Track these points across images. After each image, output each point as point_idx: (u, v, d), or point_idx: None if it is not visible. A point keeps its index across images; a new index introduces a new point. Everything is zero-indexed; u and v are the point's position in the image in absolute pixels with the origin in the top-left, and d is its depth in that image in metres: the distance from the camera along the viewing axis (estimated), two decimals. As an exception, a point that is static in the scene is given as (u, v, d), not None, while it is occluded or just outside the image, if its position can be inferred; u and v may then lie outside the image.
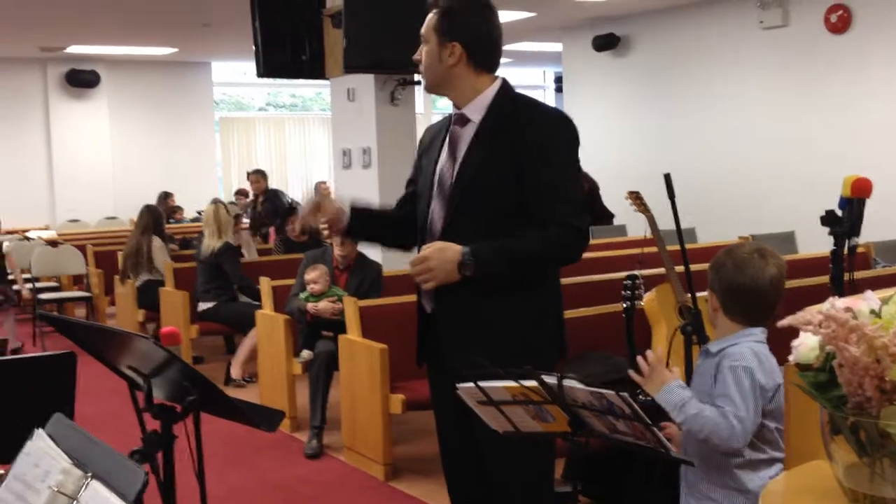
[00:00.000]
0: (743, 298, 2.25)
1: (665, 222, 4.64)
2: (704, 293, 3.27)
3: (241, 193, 13.48)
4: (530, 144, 2.41)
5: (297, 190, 15.92)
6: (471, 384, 2.08)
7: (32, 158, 13.06)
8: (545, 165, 2.39)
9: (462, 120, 2.52)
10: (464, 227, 2.45)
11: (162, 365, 1.91)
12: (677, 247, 3.20)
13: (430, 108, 16.21)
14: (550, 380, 1.89)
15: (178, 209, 12.63)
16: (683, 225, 8.09)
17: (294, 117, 17.29)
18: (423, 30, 2.53)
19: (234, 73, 16.41)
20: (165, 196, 12.47)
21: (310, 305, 5.10)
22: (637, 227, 8.20)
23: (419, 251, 2.49)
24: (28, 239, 9.92)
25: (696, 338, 2.90)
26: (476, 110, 2.50)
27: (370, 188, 6.39)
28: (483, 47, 2.51)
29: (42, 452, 1.50)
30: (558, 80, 14.79)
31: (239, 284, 6.62)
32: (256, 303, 6.30)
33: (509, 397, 2.05)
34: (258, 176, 9.45)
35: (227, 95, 17.52)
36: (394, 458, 4.59)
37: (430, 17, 2.51)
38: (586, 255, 6.70)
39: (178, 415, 1.93)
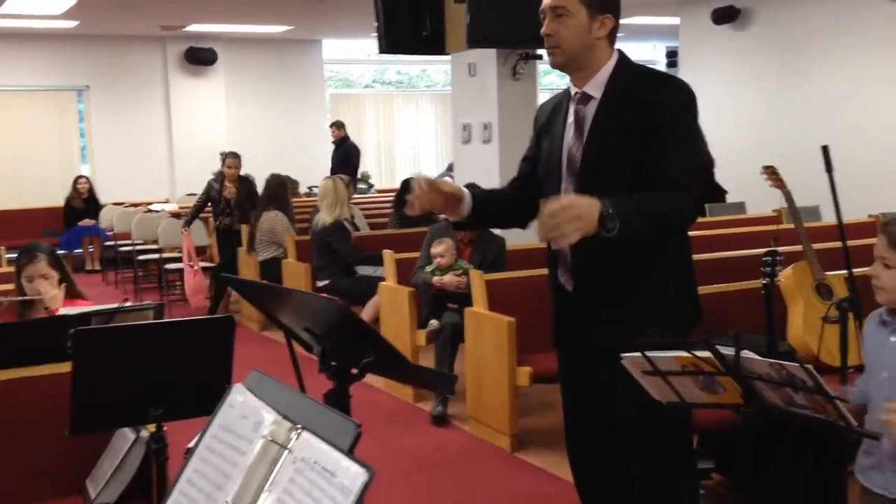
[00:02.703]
0: None
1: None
2: (855, 270, 3.19)
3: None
4: (658, 116, 2.37)
5: (405, 166, 16.10)
6: (637, 354, 2.08)
7: (153, 134, 13.51)
8: (674, 136, 2.37)
9: (585, 98, 2.49)
10: None
11: (339, 327, 1.96)
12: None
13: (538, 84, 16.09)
14: (727, 351, 1.88)
15: (295, 184, 12.80)
16: (808, 202, 7.73)
17: (402, 94, 17.43)
18: (559, 2, 2.41)
19: (341, 50, 16.60)
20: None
21: (435, 279, 5.17)
22: (755, 204, 8.00)
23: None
24: (153, 212, 10.30)
25: (853, 314, 2.82)
26: (597, 87, 2.47)
27: (491, 163, 6.40)
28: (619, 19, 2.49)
29: (248, 405, 1.55)
30: (670, 54, 14.47)
31: (347, 263, 6.66)
32: (372, 272, 6.36)
33: (678, 367, 2.05)
34: None
35: (335, 73, 17.75)
36: (518, 430, 4.63)
37: None
38: (704, 232, 6.50)
39: (355, 376, 1.98)
